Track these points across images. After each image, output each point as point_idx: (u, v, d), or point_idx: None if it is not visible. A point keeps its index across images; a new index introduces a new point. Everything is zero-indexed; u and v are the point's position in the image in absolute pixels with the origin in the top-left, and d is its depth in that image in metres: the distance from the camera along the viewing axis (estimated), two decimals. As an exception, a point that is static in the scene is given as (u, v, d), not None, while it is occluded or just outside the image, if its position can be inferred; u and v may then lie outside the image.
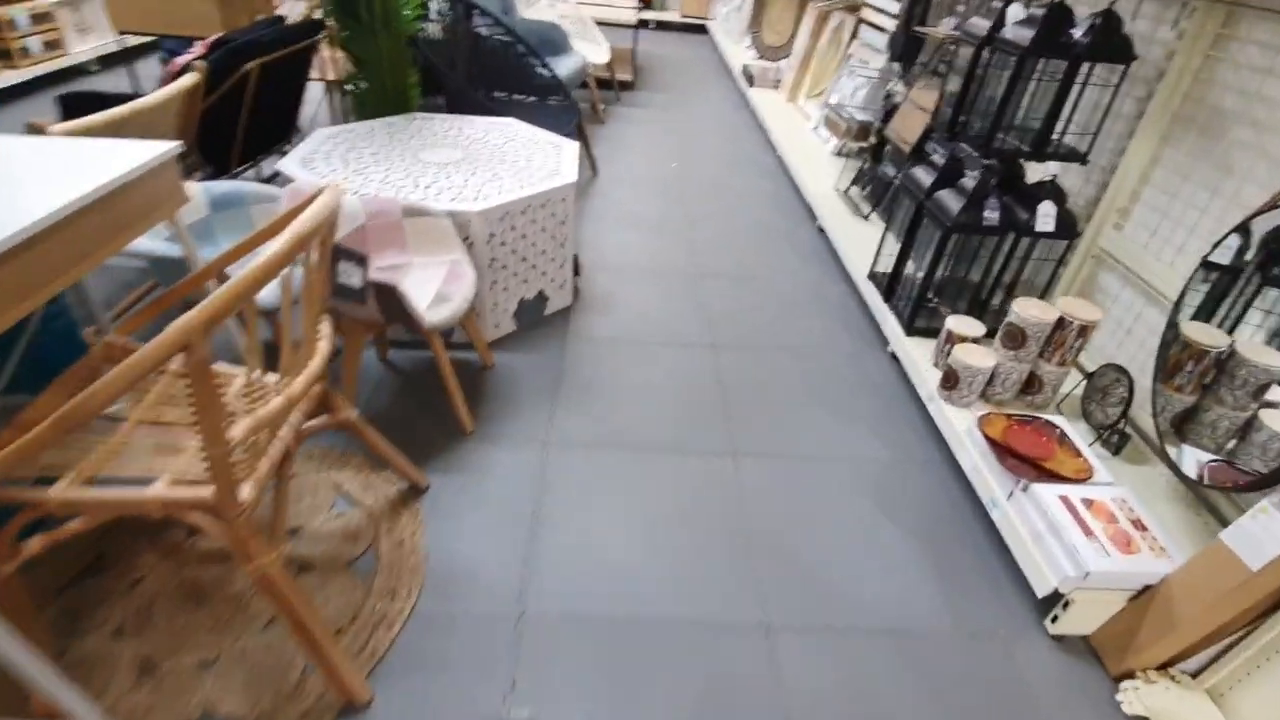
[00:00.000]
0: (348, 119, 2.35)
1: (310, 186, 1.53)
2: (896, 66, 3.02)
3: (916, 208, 2.06)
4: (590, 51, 3.99)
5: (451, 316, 1.58)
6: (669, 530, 1.58)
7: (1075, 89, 1.78)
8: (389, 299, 1.43)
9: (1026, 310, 1.71)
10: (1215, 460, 1.54)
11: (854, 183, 3.04)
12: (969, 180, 1.89)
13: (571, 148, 2.24)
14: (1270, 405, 1.49)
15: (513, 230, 1.93)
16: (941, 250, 1.93)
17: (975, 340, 1.85)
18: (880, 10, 3.50)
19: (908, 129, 2.72)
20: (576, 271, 2.41)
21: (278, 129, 2.56)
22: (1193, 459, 1.57)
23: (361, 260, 1.29)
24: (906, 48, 2.83)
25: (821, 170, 3.33)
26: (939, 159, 2.06)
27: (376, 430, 1.43)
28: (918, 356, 2.02)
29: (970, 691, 1.33)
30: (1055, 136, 1.86)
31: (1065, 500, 1.45)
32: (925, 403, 1.92)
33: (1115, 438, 1.69)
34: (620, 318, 2.31)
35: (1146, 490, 1.61)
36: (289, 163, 1.92)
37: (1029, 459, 1.55)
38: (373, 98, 2.35)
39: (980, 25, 1.85)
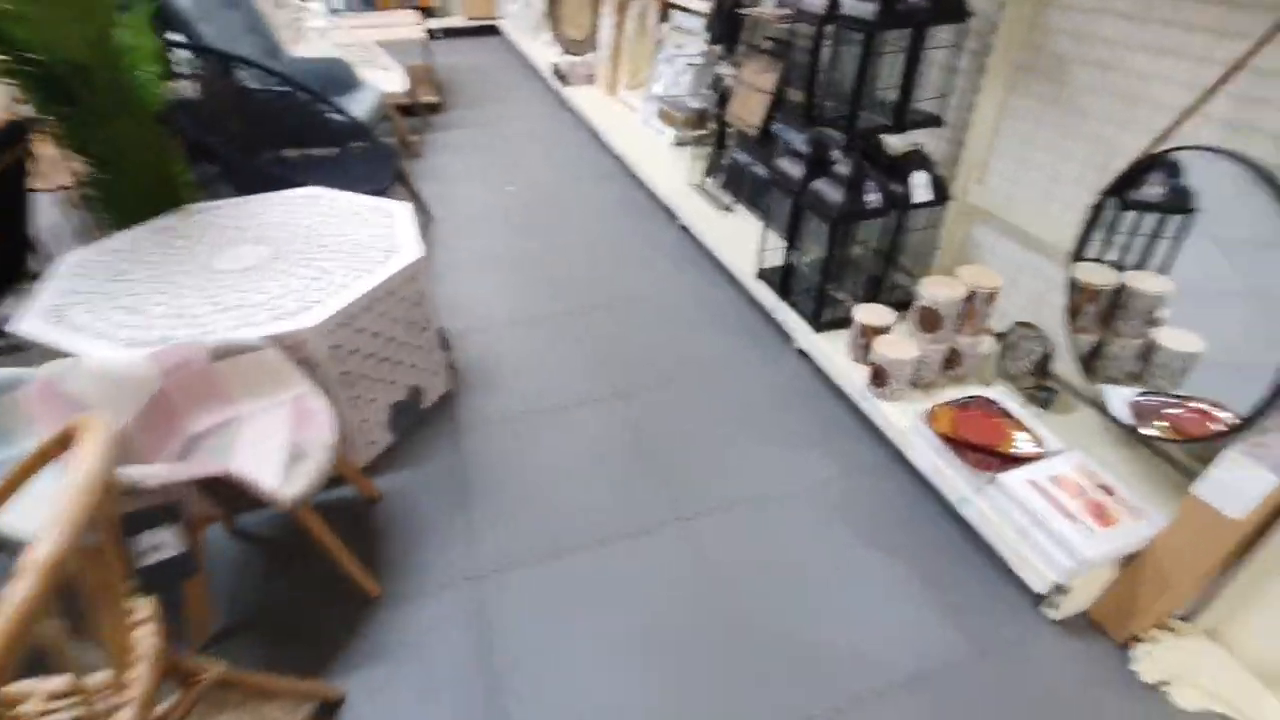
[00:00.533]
0: (102, 232, 1.83)
1: (70, 396, 1.11)
2: (718, 48, 2.92)
3: (794, 202, 1.95)
4: (383, 80, 3.55)
5: (318, 477, 1.23)
6: (650, 643, 1.35)
7: (922, 55, 1.73)
8: (224, 490, 1.07)
9: (936, 291, 1.65)
10: (1139, 396, 1.57)
11: (707, 174, 2.92)
12: (842, 166, 1.80)
13: (404, 211, 1.90)
14: (1157, 324, 1.53)
15: (360, 334, 1.59)
16: (834, 242, 1.83)
17: (887, 329, 1.78)
18: (681, -10, 3.39)
19: (749, 112, 2.62)
20: (446, 347, 2.08)
21: None
22: (1118, 398, 1.59)
23: (173, 514, 0.91)
24: (726, 29, 2.72)
25: (666, 165, 3.18)
26: (801, 146, 1.96)
27: (253, 642, 1.07)
28: (831, 352, 1.93)
29: (1008, 716, 1.24)
30: (912, 104, 1.81)
31: (1035, 485, 1.40)
32: (857, 402, 1.83)
33: (1043, 394, 1.69)
34: (510, 387, 2.02)
35: (1085, 438, 1.61)
36: (32, 321, 1.43)
37: (986, 448, 1.49)
38: (128, 200, 1.85)
39: (816, 3, 1.74)
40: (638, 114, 3.79)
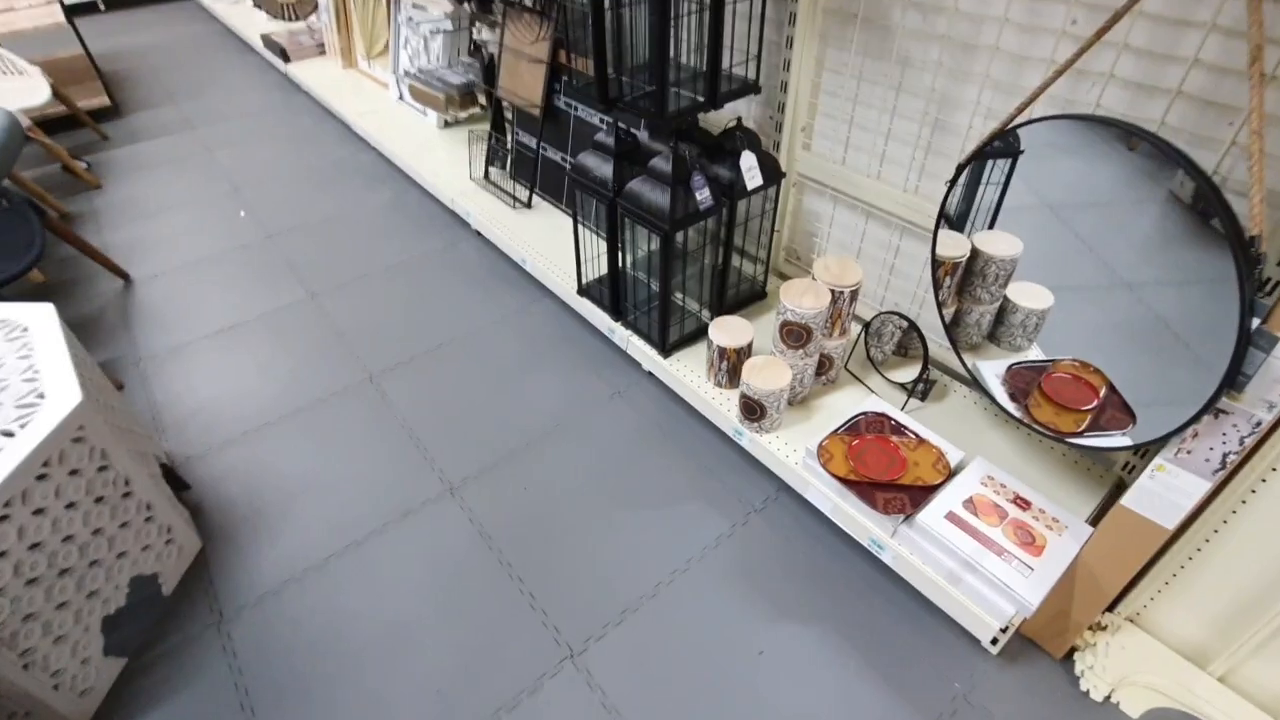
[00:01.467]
0: None
1: None
2: (468, 6, 2.38)
3: (611, 209, 1.57)
4: (14, 91, 2.55)
5: None
6: None
7: (725, 9, 1.40)
8: None
9: (800, 301, 1.39)
10: (1014, 365, 1.46)
11: (490, 164, 2.42)
12: (662, 162, 1.45)
13: (45, 321, 1.25)
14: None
15: (16, 541, 0.99)
16: (667, 257, 1.49)
17: (747, 347, 1.51)
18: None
19: (525, 87, 2.16)
20: (181, 487, 1.49)
21: None
22: (990, 372, 1.48)
23: None
24: (473, -17, 2.20)
25: (441, 155, 2.62)
26: (606, 138, 1.57)
27: None
28: (689, 377, 1.64)
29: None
30: (723, 72, 1.49)
31: (954, 519, 1.22)
32: (733, 437, 1.56)
33: (922, 387, 1.53)
34: (293, 522, 1.49)
35: (972, 426, 1.49)
36: None
37: (890, 484, 1.28)
38: None
39: (586, -46, 1.33)
40: (390, 89, 3.12)
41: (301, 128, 3.20)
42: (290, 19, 3.68)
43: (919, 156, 1.48)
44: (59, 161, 2.71)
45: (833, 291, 1.42)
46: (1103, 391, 1.24)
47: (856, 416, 1.42)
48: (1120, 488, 1.37)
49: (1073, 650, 1.27)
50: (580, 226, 1.78)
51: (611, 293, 1.77)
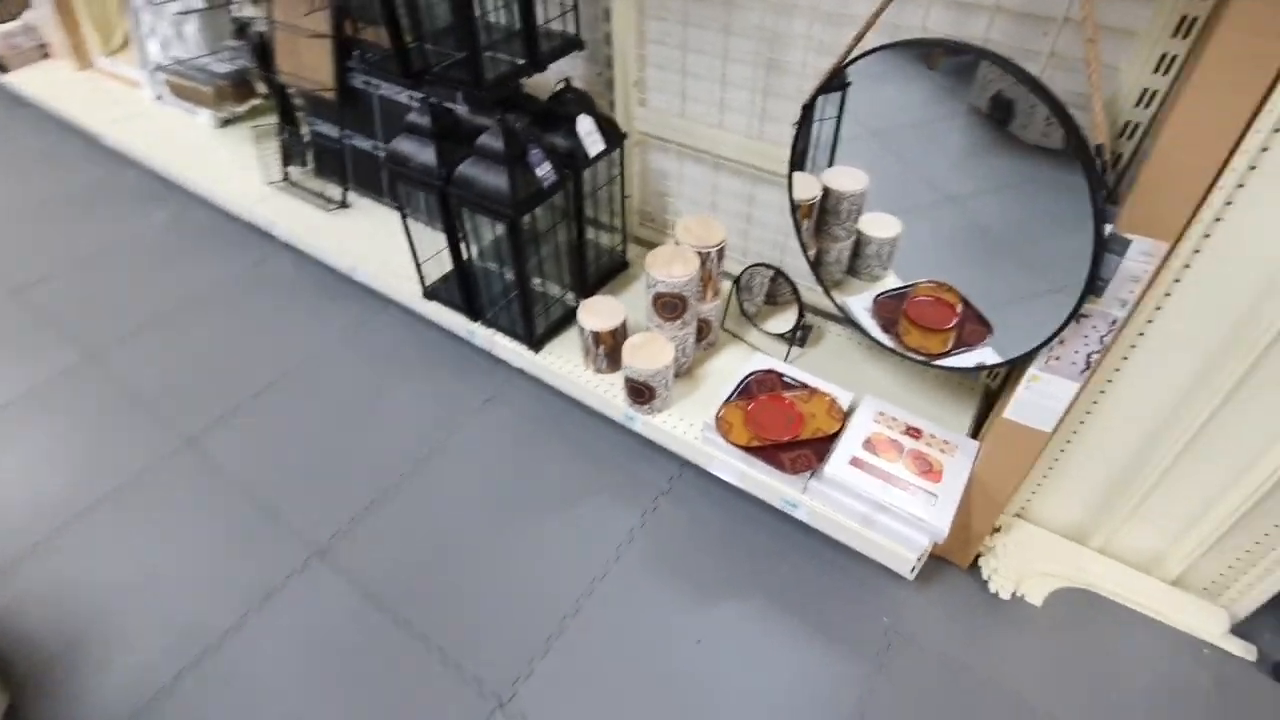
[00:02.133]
0: None
1: None
2: (219, -21, 2.00)
3: (443, 199, 1.38)
4: None
5: None
6: None
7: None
8: None
9: (670, 271, 1.30)
10: (878, 296, 1.48)
11: (287, 163, 2.09)
12: (491, 139, 1.28)
13: None
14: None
15: None
16: (518, 244, 1.34)
17: (620, 327, 1.42)
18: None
19: (310, 67, 1.86)
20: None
21: None
22: (859, 306, 1.49)
23: None
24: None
25: (221, 158, 2.23)
26: (419, 118, 1.37)
27: None
28: (565, 369, 1.51)
29: (910, 705, 1.11)
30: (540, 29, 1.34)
31: (858, 464, 1.22)
32: (624, 423, 1.47)
33: (798, 334, 1.52)
34: (123, 641, 1.21)
35: (851, 363, 1.50)
36: None
37: (792, 442, 1.26)
38: None
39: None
40: (144, 89, 2.61)
41: (35, 149, 2.60)
42: (-12, 15, 2.95)
43: (758, 100, 1.43)
44: None
45: (700, 254, 1.35)
46: (959, 307, 1.27)
47: (747, 379, 1.37)
48: (990, 394, 1.44)
49: (977, 557, 1.33)
50: (410, 222, 1.57)
51: (462, 291, 1.59)
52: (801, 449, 1.25)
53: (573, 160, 1.41)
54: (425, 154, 1.35)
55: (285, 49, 1.88)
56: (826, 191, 1.40)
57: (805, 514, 1.27)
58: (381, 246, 1.85)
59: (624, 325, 1.42)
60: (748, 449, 1.25)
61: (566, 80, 1.44)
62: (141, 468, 1.49)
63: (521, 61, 1.32)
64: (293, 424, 1.58)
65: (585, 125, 1.41)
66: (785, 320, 1.54)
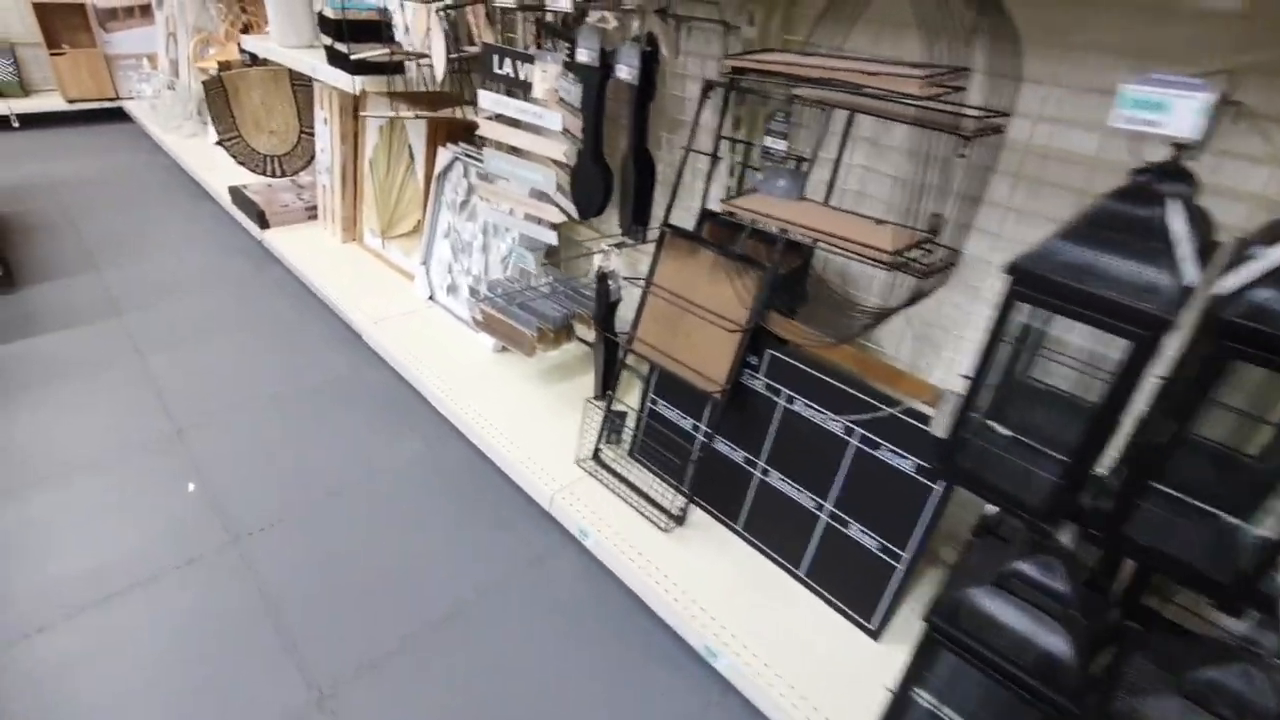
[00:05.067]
0: None
1: None
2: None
3: None
4: None
5: None
6: None
7: None
8: None
9: None
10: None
11: (605, 440, 1.61)
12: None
13: None
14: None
15: None
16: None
17: None
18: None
19: (694, 352, 1.43)
20: None
21: None
22: None
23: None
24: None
25: (505, 396, 1.81)
26: (1044, 576, 0.82)
27: None
28: None
29: None
30: None
31: None
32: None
33: None
34: None
35: None
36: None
37: None
38: None
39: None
40: (417, 287, 2.33)
41: (278, 319, 2.32)
42: (272, 174, 2.90)
43: None
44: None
45: None
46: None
47: None
48: None
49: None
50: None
51: None
52: None
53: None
54: (1042, 637, 0.77)
55: (659, 318, 1.47)
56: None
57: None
58: (741, 611, 1.27)
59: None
60: None
61: None
62: None
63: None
64: None
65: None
66: None
